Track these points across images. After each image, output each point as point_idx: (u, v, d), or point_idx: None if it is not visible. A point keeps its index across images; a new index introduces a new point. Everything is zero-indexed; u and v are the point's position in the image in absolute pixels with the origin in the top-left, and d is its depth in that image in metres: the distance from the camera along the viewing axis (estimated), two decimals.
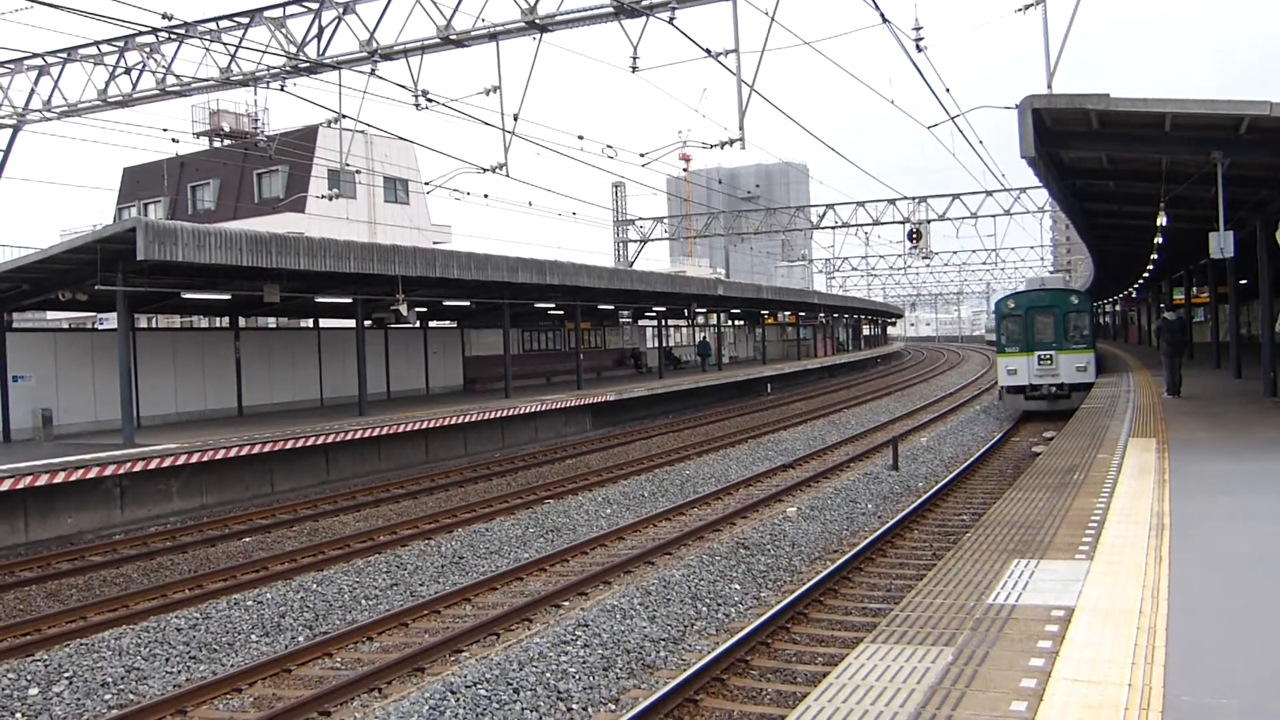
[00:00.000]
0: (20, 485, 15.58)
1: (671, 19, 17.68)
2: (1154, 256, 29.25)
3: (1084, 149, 15.56)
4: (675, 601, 11.22)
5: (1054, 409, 26.28)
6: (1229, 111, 12.82)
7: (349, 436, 21.49)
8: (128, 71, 22.60)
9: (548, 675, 8.89)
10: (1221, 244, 15.84)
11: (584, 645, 9.62)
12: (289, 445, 20.06)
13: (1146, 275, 40.79)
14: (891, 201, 48.73)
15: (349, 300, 24.97)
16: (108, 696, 9.27)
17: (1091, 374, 26.79)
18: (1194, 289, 38.33)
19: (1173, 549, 7.45)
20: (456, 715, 8.10)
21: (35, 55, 23.66)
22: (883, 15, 16.73)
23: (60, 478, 16.13)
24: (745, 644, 9.51)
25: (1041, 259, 75.74)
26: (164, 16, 17.55)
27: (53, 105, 23.78)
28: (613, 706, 8.49)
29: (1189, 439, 13.58)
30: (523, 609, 11.24)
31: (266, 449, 19.64)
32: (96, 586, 13.63)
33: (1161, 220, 19.74)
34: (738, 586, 12.08)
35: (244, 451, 19.18)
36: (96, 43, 22.87)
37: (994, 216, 48.39)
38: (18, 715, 8.84)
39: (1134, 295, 56.77)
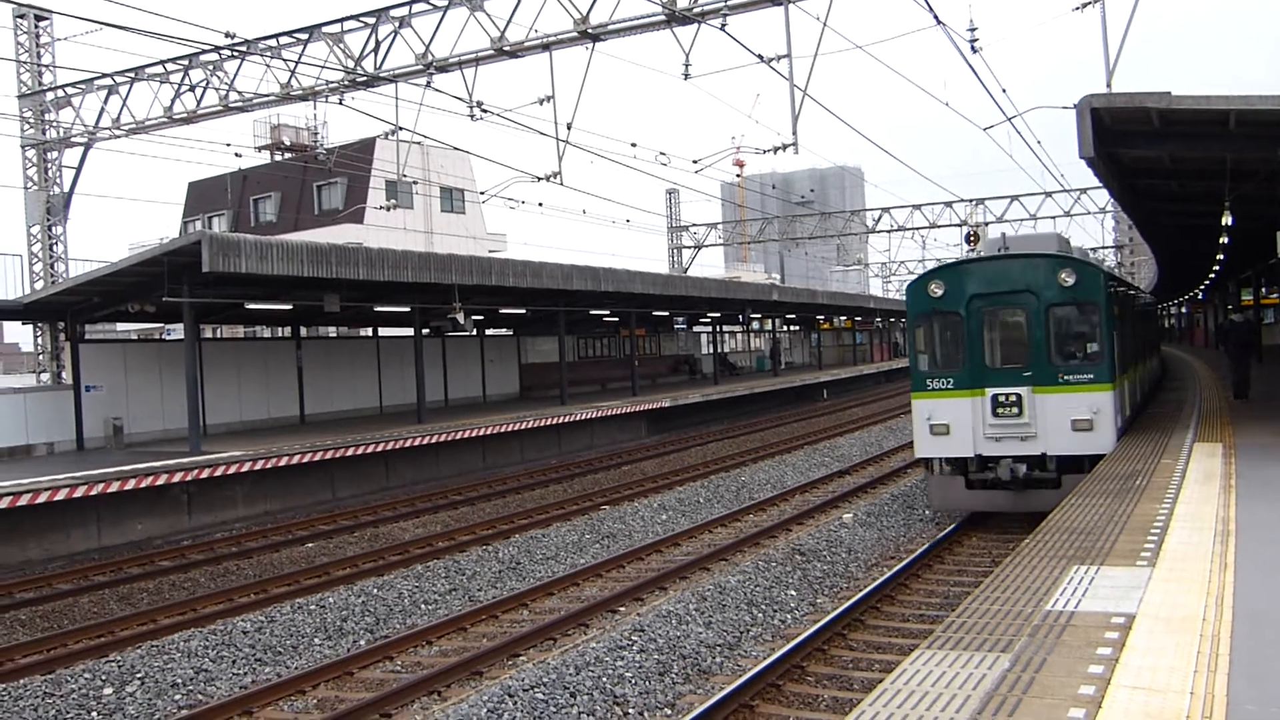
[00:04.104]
0: (94, 492, 16.07)
1: (723, 25, 17.72)
2: (1220, 257, 28.54)
3: (1145, 148, 15.25)
4: (731, 607, 11.23)
5: (1022, 509, 14.08)
6: None
7: (408, 444, 21.79)
8: (192, 89, 23.26)
9: (604, 680, 8.95)
10: None
11: (640, 650, 9.68)
12: (350, 452, 20.42)
13: (1213, 276, 39.84)
14: (948, 204, 48.21)
15: (407, 309, 25.33)
16: (178, 696, 9.53)
17: (1107, 434, 13.70)
18: (1263, 289, 37.36)
19: (1238, 556, 7.30)
20: (514, 718, 8.20)
21: (105, 75, 24.42)
22: (936, 17, 16.62)
23: (131, 485, 16.60)
24: (801, 650, 9.50)
25: (1104, 261, 74.17)
26: (227, 35, 18.02)
27: (121, 123, 24.52)
28: (669, 711, 8.53)
29: (1257, 443, 13.25)
30: (579, 614, 11.33)
31: (328, 456, 20.00)
32: (166, 590, 13.99)
33: (1227, 220, 19.29)
34: (794, 593, 12.06)
35: (306, 459, 19.55)
36: (163, 62, 23.56)
37: (1054, 218, 47.60)
38: (93, 714, 9.13)
39: (1199, 297, 55.49)
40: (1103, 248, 68.35)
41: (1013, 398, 13.90)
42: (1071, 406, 13.74)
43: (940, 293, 14.65)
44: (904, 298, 15.37)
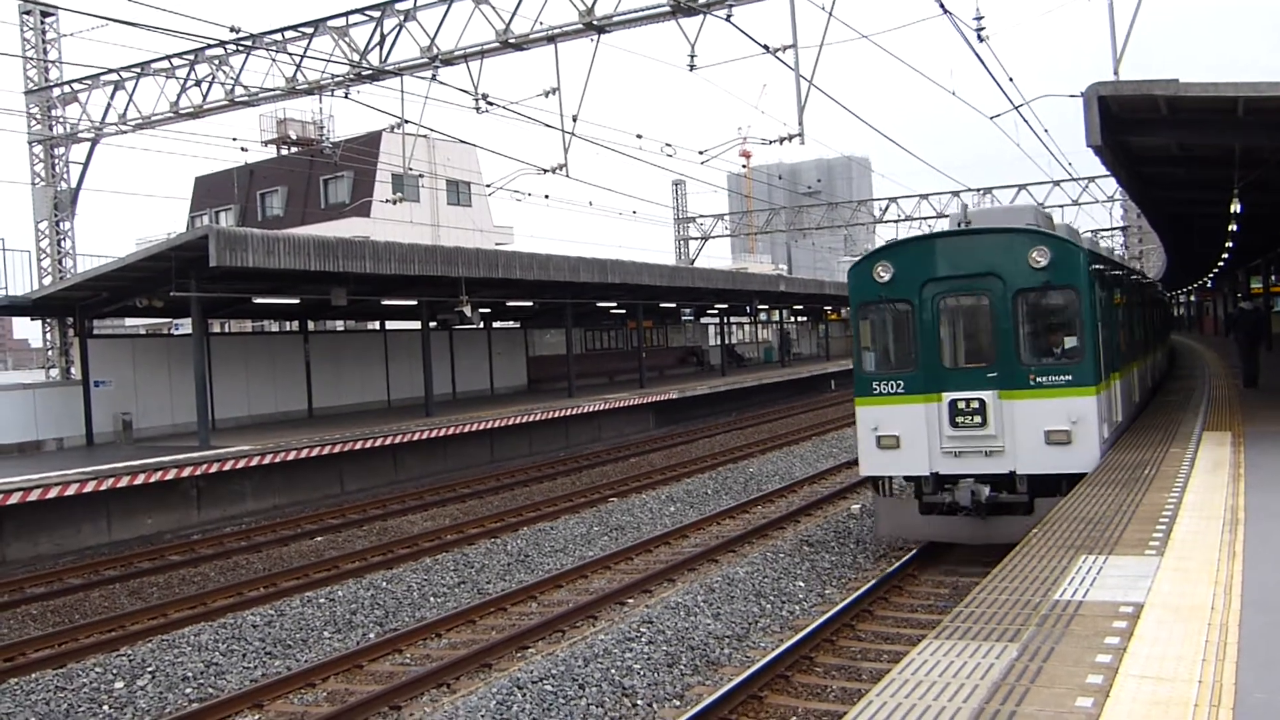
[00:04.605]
0: (104, 487, 16.14)
1: (729, 16, 17.68)
2: (1229, 244, 28.43)
3: (1153, 136, 15.17)
4: (739, 599, 11.24)
5: (984, 539, 11.84)
6: None
7: (416, 437, 21.83)
8: (198, 83, 23.29)
9: (613, 671, 8.97)
10: None
11: (648, 642, 9.69)
12: (358, 446, 20.46)
13: (1222, 264, 39.68)
14: (956, 194, 47.99)
15: (414, 302, 25.36)
16: (188, 690, 9.58)
17: (1089, 448, 11.37)
18: (1272, 277, 37.20)
19: (1246, 544, 7.28)
20: (523, 710, 8.23)
21: (111, 71, 24.45)
22: (943, 6, 16.54)
23: (141, 479, 16.67)
24: (810, 641, 9.51)
25: (1112, 250, 73.71)
26: (232, 29, 18.01)
27: (128, 118, 24.56)
28: (677, 703, 8.55)
29: (1266, 432, 13.20)
30: (588, 606, 11.35)
31: (336, 450, 20.05)
32: (176, 585, 14.06)
33: (1236, 207, 19.20)
34: (802, 584, 12.06)
35: (315, 452, 19.60)
36: (168, 57, 23.58)
37: (1062, 206, 47.43)
38: (105, 707, 9.19)
39: (1209, 284, 55.29)
40: (1109, 229, 67.92)
41: (974, 404, 11.56)
42: (1045, 414, 11.38)
43: (888, 277, 12.19)
44: (852, 278, 12.65)
